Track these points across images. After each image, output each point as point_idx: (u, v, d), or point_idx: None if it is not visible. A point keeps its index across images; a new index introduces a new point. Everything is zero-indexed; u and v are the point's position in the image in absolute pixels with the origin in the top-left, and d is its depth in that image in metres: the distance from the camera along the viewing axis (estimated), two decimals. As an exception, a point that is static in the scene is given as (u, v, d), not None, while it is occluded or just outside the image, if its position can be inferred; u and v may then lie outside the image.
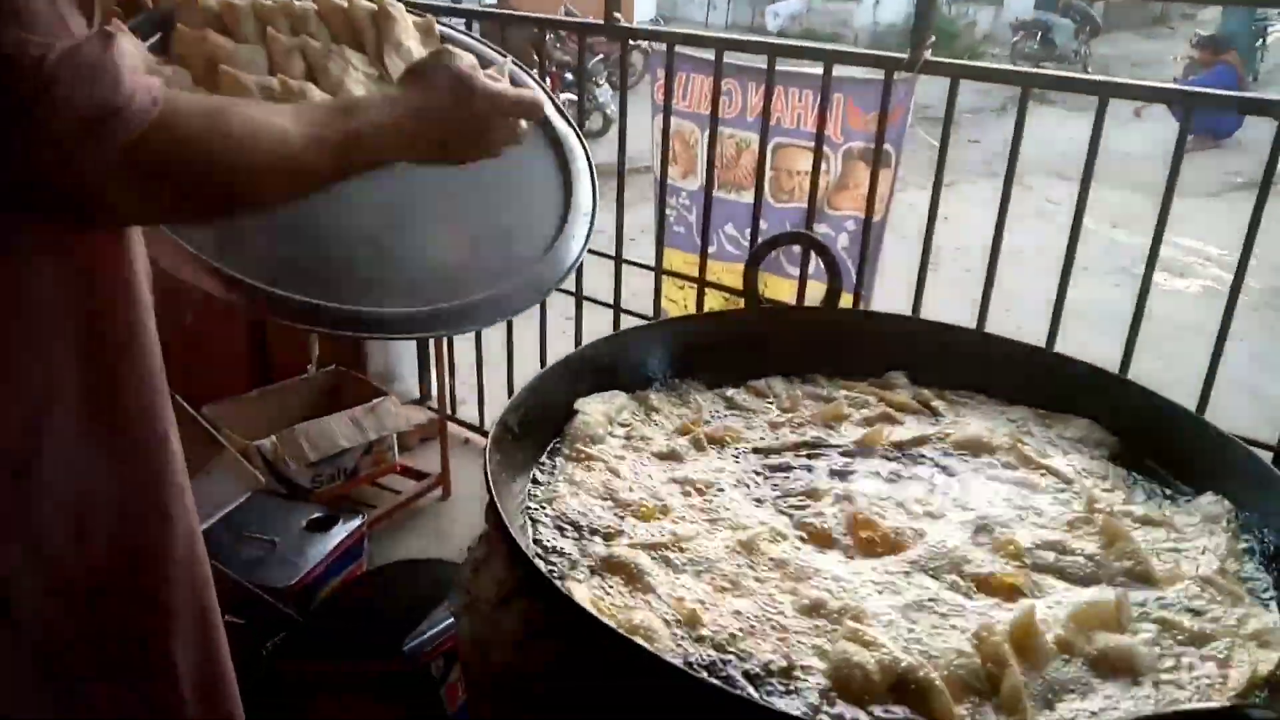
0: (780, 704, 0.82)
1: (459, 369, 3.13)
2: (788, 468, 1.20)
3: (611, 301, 2.60)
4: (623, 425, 1.28)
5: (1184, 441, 1.25)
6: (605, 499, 1.11)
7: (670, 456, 1.21)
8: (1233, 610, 0.99)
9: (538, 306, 2.03)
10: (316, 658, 1.74)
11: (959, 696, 0.85)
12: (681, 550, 1.03)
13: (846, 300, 2.68)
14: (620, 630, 0.87)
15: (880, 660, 0.86)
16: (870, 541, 1.05)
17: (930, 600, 0.96)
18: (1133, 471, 1.26)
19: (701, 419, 1.30)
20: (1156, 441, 1.28)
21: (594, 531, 1.05)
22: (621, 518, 1.08)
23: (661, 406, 1.33)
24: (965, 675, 0.87)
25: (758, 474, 1.19)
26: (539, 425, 1.22)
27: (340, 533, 2.12)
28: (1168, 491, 1.22)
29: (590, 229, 1.45)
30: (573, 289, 2.57)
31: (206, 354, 2.52)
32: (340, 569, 2.09)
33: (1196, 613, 0.98)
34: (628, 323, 2.48)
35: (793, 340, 1.47)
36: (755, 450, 1.24)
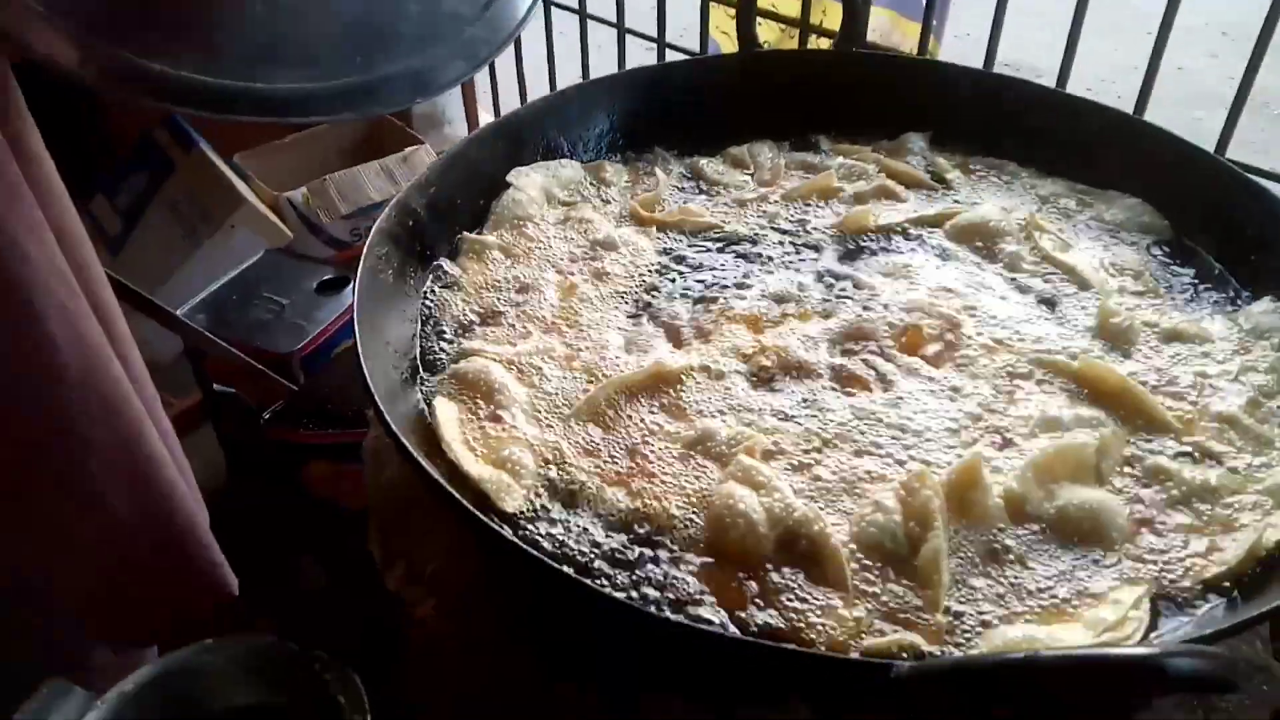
0: (643, 574, 0.70)
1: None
2: (731, 259, 1.02)
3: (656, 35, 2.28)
4: (564, 204, 1.10)
5: (1249, 223, 0.99)
6: (506, 291, 0.97)
7: (604, 245, 1.03)
8: (1255, 459, 0.79)
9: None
10: (308, 426, 1.71)
11: (866, 560, 0.71)
12: (553, 364, 0.88)
13: (914, 33, 2.30)
14: (478, 477, 0.75)
15: (770, 508, 0.72)
16: (785, 365, 0.88)
17: (855, 443, 0.80)
18: (1180, 264, 1.02)
19: (659, 196, 1.11)
20: (1218, 224, 1.03)
21: (464, 334, 0.92)
22: (508, 322, 0.93)
23: (616, 180, 1.14)
24: (878, 534, 0.72)
25: (682, 267, 1.01)
26: (462, 205, 1.05)
27: (351, 295, 2.04)
28: (1220, 294, 0.98)
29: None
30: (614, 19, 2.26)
31: None
32: (350, 333, 2.03)
33: (1205, 460, 0.79)
34: (672, 58, 2.18)
35: (790, 93, 1.22)
36: (698, 235, 1.05)
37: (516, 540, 0.68)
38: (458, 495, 0.67)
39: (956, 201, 1.10)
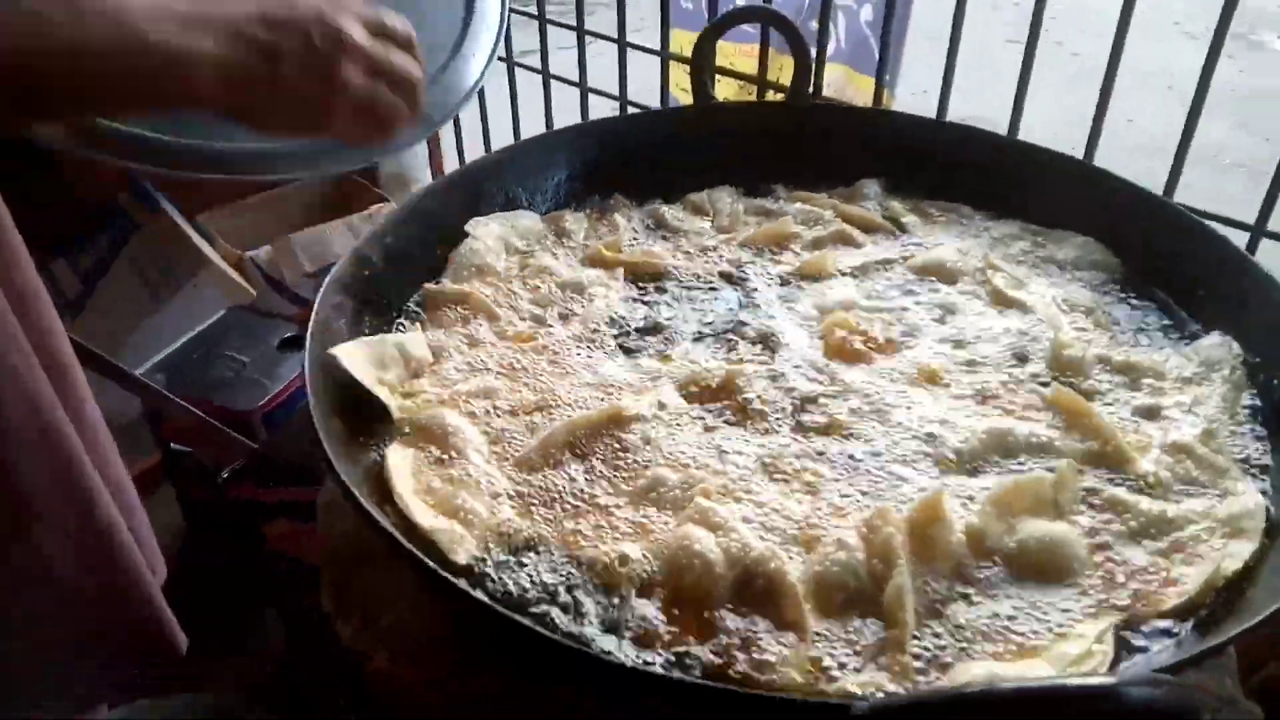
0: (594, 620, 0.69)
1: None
2: (692, 304, 1.02)
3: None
4: (521, 253, 1.10)
5: (1197, 262, 1.01)
6: (459, 336, 0.96)
7: (565, 288, 1.03)
8: (1210, 488, 0.80)
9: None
10: (269, 484, 1.68)
11: (828, 599, 0.70)
12: (506, 407, 0.88)
13: (867, 87, 2.36)
14: (429, 529, 0.74)
15: (727, 549, 0.71)
16: (739, 406, 0.87)
17: (814, 481, 0.79)
18: (1133, 300, 1.03)
19: (619, 242, 1.11)
20: (1167, 264, 1.05)
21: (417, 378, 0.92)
22: (462, 364, 0.93)
23: (575, 229, 1.14)
24: (840, 573, 0.71)
25: (642, 311, 1.01)
26: (420, 256, 1.05)
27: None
28: (1171, 329, 1.00)
29: (497, 43, 1.20)
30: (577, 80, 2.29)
31: None
32: (312, 389, 2.01)
33: (1160, 492, 0.79)
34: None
35: (747, 144, 1.24)
36: (659, 279, 1.06)
37: (467, 589, 0.66)
38: (411, 548, 0.66)
39: (916, 244, 1.11)
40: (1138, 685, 0.46)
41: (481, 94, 1.97)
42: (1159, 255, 1.05)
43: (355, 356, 0.86)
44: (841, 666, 0.65)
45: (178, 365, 1.96)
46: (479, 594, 0.68)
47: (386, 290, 0.99)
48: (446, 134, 2.28)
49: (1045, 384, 0.90)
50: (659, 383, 0.89)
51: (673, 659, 0.65)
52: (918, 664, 0.65)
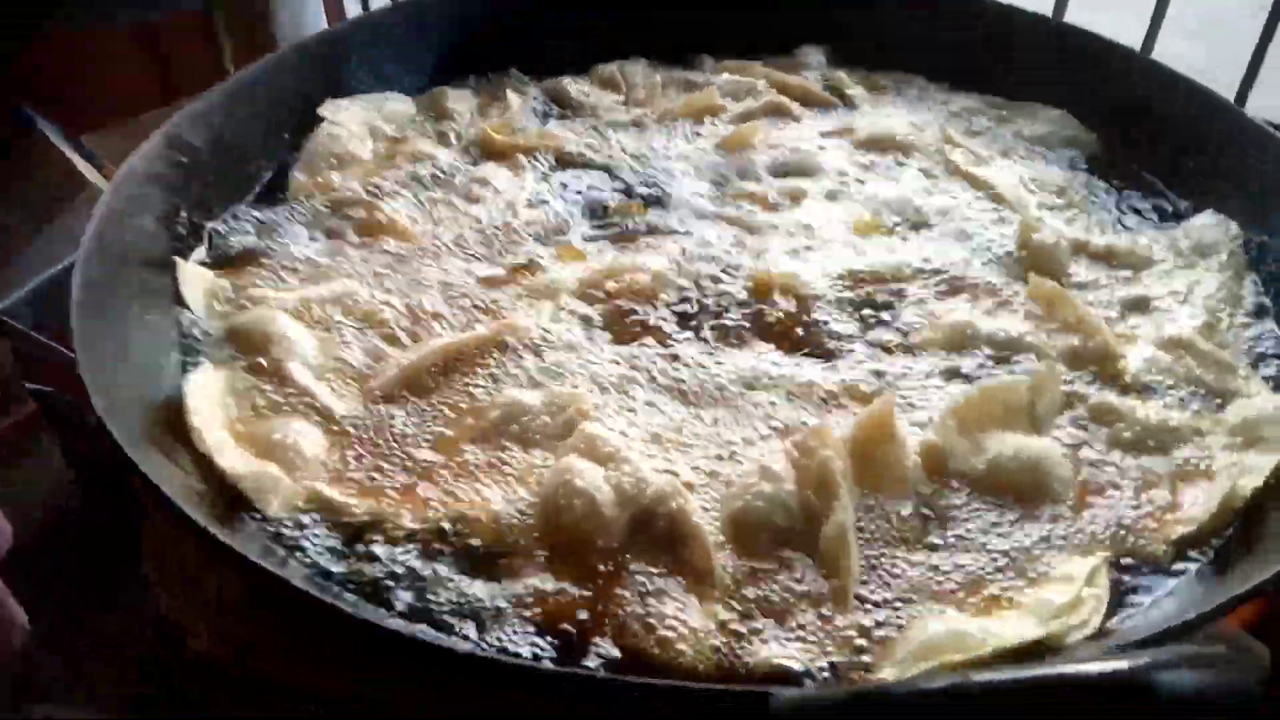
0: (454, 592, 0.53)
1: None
2: (593, 191, 0.85)
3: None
4: (392, 140, 0.91)
5: (1187, 134, 0.86)
6: (314, 237, 0.78)
7: (443, 183, 0.85)
8: (1217, 389, 0.65)
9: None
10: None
11: (750, 543, 0.55)
12: (357, 318, 0.70)
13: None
14: (233, 473, 0.56)
15: (619, 484, 0.55)
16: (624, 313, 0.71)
17: (733, 394, 0.64)
18: (1112, 180, 0.88)
19: (511, 123, 0.93)
20: (1150, 135, 0.89)
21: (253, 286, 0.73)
22: (310, 268, 0.75)
23: (459, 108, 0.95)
24: (765, 508, 0.55)
25: (539, 201, 0.83)
26: (257, 144, 0.86)
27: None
28: (1158, 210, 0.85)
29: None
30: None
31: (86, 71, 2.14)
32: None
33: (1159, 395, 0.65)
34: None
35: (667, 10, 1.05)
36: (559, 162, 0.88)
37: (239, 550, 0.49)
38: (173, 496, 0.49)
39: (864, 119, 0.94)
40: (1173, 667, 0.31)
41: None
42: (1142, 126, 0.90)
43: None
44: (760, 632, 0.50)
45: (45, 299, 1.74)
46: (278, 568, 0.51)
47: (212, 185, 0.80)
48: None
49: (1015, 276, 0.74)
50: (552, 293, 0.72)
51: (547, 640, 0.50)
52: (865, 620, 0.51)
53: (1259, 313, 0.73)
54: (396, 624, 0.49)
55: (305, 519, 0.56)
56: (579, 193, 0.85)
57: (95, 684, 0.75)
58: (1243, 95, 1.01)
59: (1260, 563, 0.49)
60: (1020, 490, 0.58)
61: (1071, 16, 1.07)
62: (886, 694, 0.34)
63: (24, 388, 1.74)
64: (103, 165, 2.09)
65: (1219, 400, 0.64)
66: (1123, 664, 0.32)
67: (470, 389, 0.63)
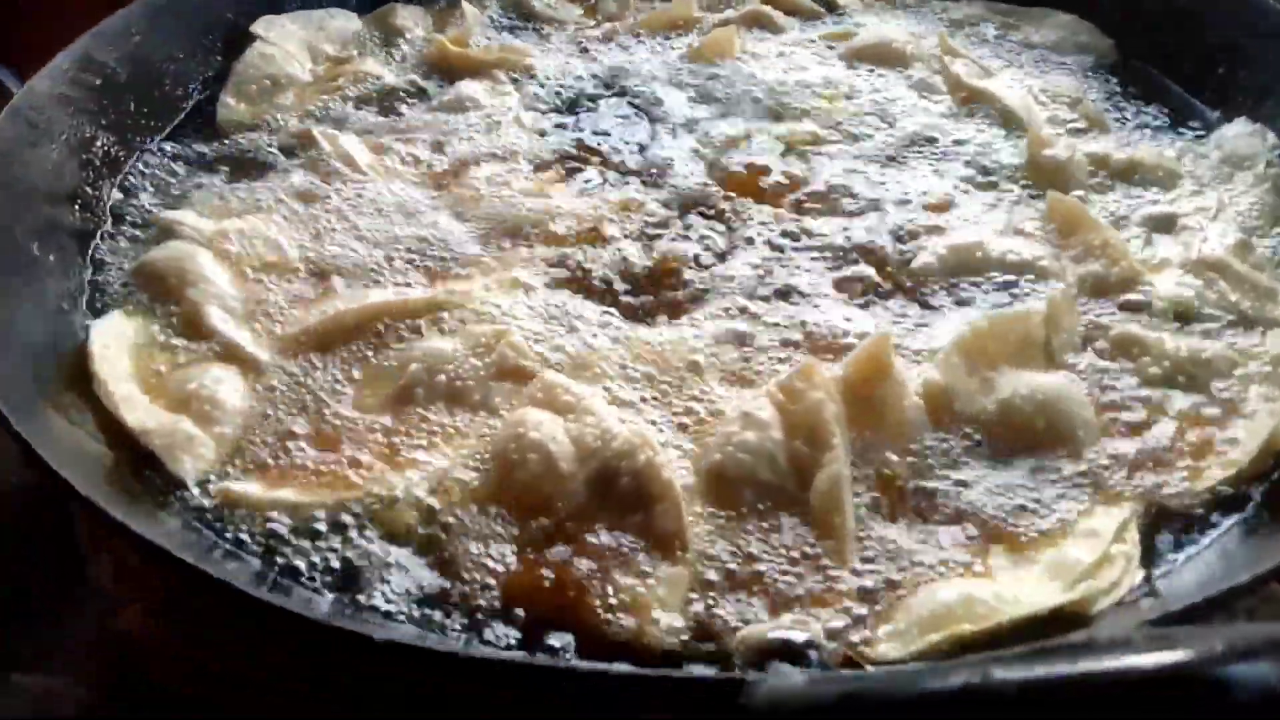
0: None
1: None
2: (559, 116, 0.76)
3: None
4: (335, 60, 0.82)
5: (1216, 35, 0.78)
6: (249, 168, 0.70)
7: (381, 100, 0.77)
8: (1256, 318, 0.58)
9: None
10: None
11: (733, 499, 0.48)
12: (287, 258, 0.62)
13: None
14: (140, 429, 0.49)
15: (579, 436, 0.48)
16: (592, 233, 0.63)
17: (710, 344, 0.56)
18: (1131, 90, 0.80)
19: (468, 37, 0.84)
20: (1174, 39, 0.81)
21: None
22: (233, 199, 0.67)
23: (409, 24, 0.86)
24: (750, 461, 0.48)
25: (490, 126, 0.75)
26: (180, 65, 0.77)
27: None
28: (1182, 121, 0.77)
29: None
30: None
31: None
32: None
33: (1190, 323, 0.58)
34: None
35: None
36: (521, 85, 0.80)
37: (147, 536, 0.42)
38: (52, 463, 0.42)
39: (855, 26, 0.86)
40: (1247, 658, 0.24)
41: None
42: (1166, 30, 0.82)
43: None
44: (744, 603, 0.44)
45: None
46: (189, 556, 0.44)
47: (130, 111, 0.72)
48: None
49: (1030, 193, 0.67)
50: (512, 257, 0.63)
51: (476, 619, 0.43)
52: (865, 582, 0.44)
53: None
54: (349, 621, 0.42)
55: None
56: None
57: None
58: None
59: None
60: (1036, 434, 0.51)
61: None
62: (886, 694, 0.27)
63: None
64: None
65: (1258, 328, 0.57)
66: (1183, 654, 0.25)
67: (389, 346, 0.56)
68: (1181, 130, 0.76)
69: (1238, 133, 0.72)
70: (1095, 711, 0.25)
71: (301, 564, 0.46)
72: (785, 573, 0.45)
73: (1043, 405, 0.51)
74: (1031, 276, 0.60)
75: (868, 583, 0.45)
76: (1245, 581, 0.37)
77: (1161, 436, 0.51)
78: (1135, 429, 0.51)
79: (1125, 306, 0.58)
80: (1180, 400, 0.53)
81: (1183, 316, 0.58)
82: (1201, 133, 0.75)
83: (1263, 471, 0.49)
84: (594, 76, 0.80)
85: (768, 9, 0.87)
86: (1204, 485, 0.49)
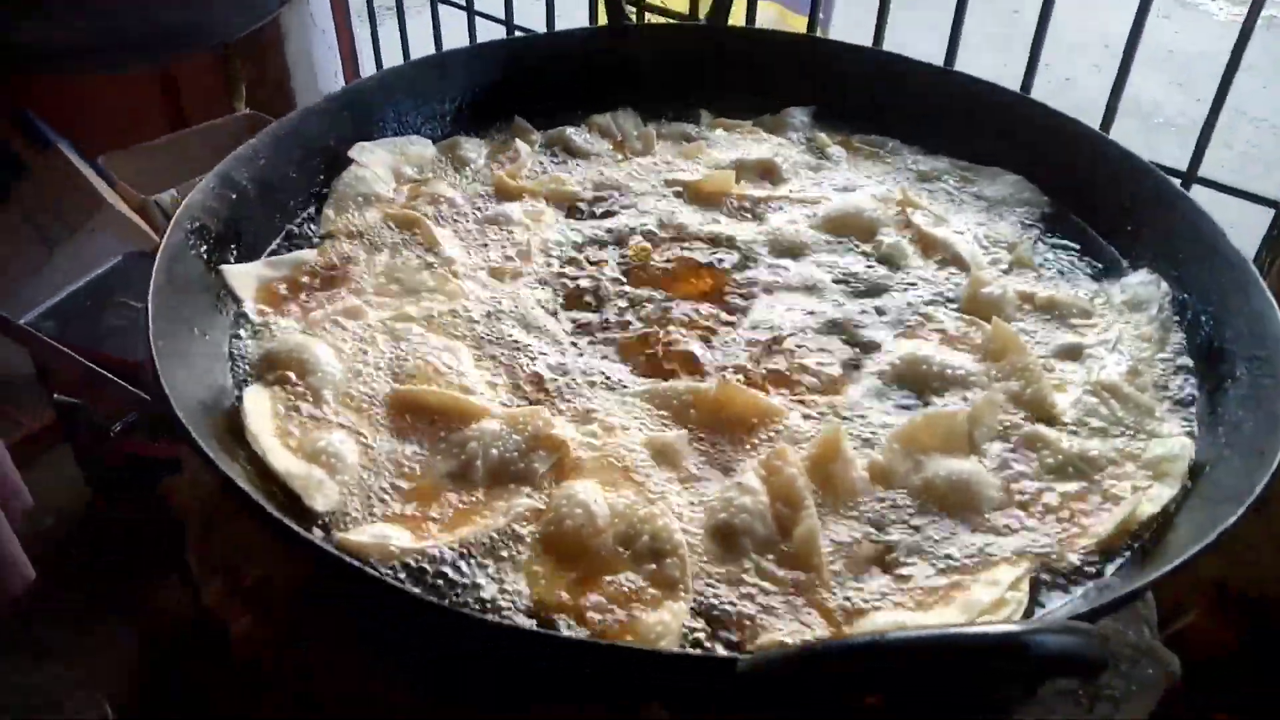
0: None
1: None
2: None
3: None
4: (414, 181, 1.01)
5: (1125, 197, 0.96)
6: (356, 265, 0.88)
7: (469, 216, 0.95)
8: (1136, 429, 0.75)
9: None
10: (164, 437, 1.58)
11: (731, 547, 0.64)
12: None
13: (799, 25, 2.28)
14: (285, 472, 0.66)
15: (615, 507, 0.65)
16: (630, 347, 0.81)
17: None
18: (1060, 238, 0.98)
19: (522, 167, 1.03)
20: (1095, 199, 1.00)
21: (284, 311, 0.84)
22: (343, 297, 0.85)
23: (473, 156, 1.06)
24: (749, 519, 0.65)
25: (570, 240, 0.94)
26: (296, 182, 0.96)
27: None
28: (1098, 266, 0.95)
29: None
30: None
31: (104, 96, 2.23)
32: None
33: (1083, 432, 0.75)
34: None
35: (665, 68, 1.16)
36: (564, 202, 0.99)
37: (317, 541, 0.58)
38: (248, 489, 0.58)
39: (836, 186, 1.04)
40: (1049, 633, 0.41)
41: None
42: (1091, 192, 1.01)
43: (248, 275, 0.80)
44: (741, 621, 0.60)
45: (69, 313, 1.83)
46: (326, 544, 0.60)
47: (256, 218, 0.90)
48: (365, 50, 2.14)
49: (966, 321, 0.85)
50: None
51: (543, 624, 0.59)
52: (834, 603, 0.60)
53: (1180, 365, 0.82)
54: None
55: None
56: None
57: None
58: (1199, 153, 1.13)
59: (1148, 574, 0.59)
60: (953, 506, 0.67)
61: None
62: (842, 644, 0.43)
63: (43, 397, 1.82)
64: (116, 185, 2.18)
65: (1139, 436, 0.74)
66: (1006, 628, 0.42)
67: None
68: (1096, 275, 0.94)
69: (1139, 280, 0.90)
70: (944, 660, 0.41)
71: (409, 581, 0.61)
72: (774, 598, 0.61)
73: (959, 483, 0.68)
74: (963, 388, 0.77)
75: (835, 604, 0.61)
76: (1085, 612, 0.53)
77: (1050, 513, 0.68)
78: (1030, 505, 0.68)
79: (1035, 414, 0.75)
80: (1068, 486, 0.70)
81: (1079, 424, 0.75)
82: (1114, 277, 0.93)
83: (1121, 546, 0.66)
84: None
85: (775, 160, 1.06)
86: (1076, 552, 0.65)
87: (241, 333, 0.80)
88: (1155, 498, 0.68)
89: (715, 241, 0.94)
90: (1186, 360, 0.82)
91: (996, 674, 0.41)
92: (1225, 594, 1.54)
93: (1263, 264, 1.14)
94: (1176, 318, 0.86)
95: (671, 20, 1.86)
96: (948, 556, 0.64)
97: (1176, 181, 1.08)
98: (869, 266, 0.91)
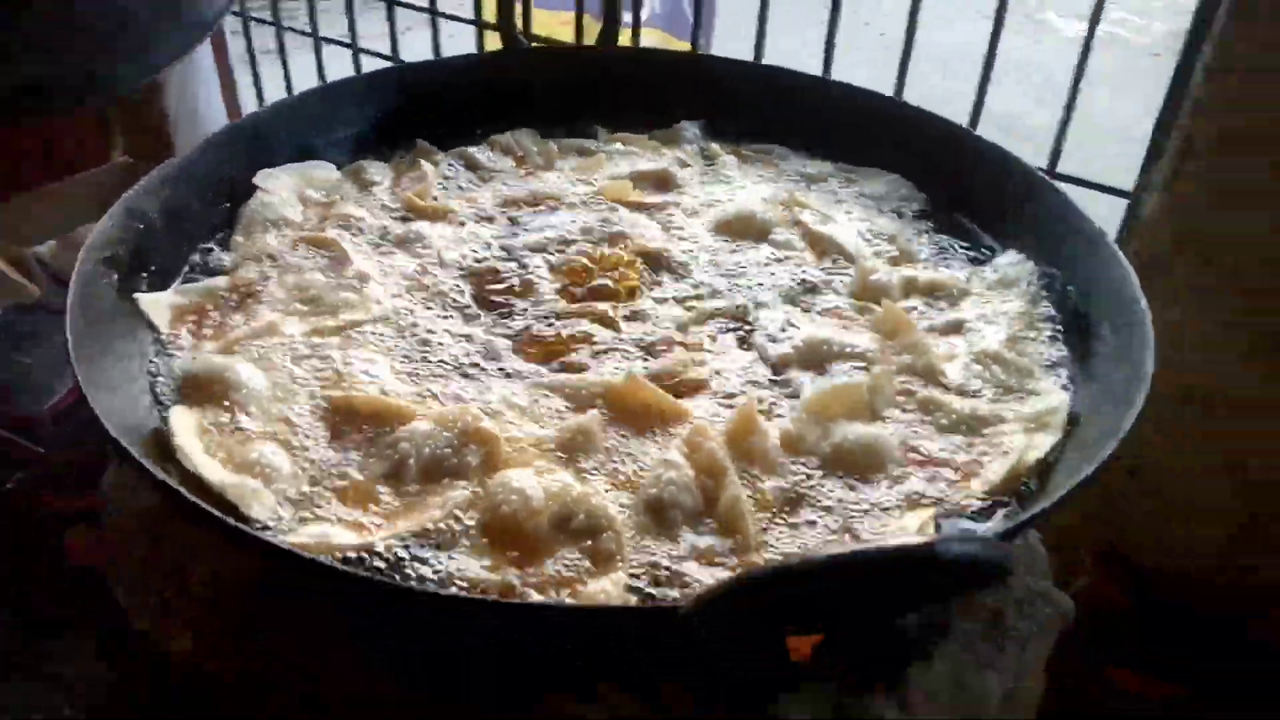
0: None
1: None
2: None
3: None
4: (319, 204, 1.03)
5: (993, 188, 1.05)
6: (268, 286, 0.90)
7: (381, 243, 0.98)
8: (1017, 389, 0.82)
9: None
10: (64, 490, 1.53)
11: (662, 520, 0.68)
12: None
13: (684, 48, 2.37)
14: (219, 484, 0.67)
15: (549, 489, 0.68)
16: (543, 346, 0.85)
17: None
18: (937, 229, 1.07)
19: (428, 188, 1.06)
20: (966, 191, 1.09)
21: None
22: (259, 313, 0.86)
23: (378, 178, 1.08)
24: (677, 492, 0.69)
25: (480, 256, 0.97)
26: (201, 211, 0.96)
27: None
28: (974, 252, 1.03)
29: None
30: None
31: None
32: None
33: (971, 394, 0.82)
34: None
35: (558, 91, 1.21)
36: (471, 216, 1.02)
37: (265, 537, 0.60)
38: (191, 496, 0.59)
39: (727, 192, 1.10)
40: (955, 542, 0.46)
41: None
42: (962, 184, 1.09)
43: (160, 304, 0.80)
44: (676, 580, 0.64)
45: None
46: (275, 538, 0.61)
47: (164, 249, 0.90)
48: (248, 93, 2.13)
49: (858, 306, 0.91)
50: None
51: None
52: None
53: (1051, 332, 0.90)
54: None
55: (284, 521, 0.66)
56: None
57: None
58: (1057, 151, 1.24)
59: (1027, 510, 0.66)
60: (861, 466, 0.73)
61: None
62: (777, 566, 0.48)
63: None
64: (-12, 238, 2.10)
65: (1019, 396, 0.81)
66: (919, 539, 0.47)
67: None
68: (972, 259, 1.02)
69: (1009, 261, 0.98)
70: (864, 573, 0.45)
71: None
72: (706, 560, 0.65)
73: (865, 445, 0.74)
74: (862, 362, 0.83)
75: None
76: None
77: (946, 466, 0.74)
78: (929, 461, 0.74)
79: (928, 382, 0.82)
80: (960, 440, 0.76)
81: (967, 388, 0.82)
82: (985, 261, 1.02)
83: (1012, 490, 0.73)
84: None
85: (672, 168, 1.12)
86: (973, 497, 0.71)
87: (160, 358, 0.81)
88: (1039, 445, 0.75)
89: (616, 244, 0.99)
90: (1058, 328, 0.90)
91: (911, 582, 0.46)
92: (1114, 559, 1.65)
93: (1121, 244, 1.26)
94: (1045, 291, 0.94)
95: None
96: (861, 510, 0.70)
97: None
98: (764, 265, 0.97)
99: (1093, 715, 1.46)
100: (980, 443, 0.76)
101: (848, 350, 0.84)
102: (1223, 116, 1.08)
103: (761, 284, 0.94)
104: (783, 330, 0.87)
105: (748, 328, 0.88)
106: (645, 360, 0.83)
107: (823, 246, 1.01)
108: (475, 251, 0.96)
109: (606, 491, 0.70)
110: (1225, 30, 1.04)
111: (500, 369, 0.82)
